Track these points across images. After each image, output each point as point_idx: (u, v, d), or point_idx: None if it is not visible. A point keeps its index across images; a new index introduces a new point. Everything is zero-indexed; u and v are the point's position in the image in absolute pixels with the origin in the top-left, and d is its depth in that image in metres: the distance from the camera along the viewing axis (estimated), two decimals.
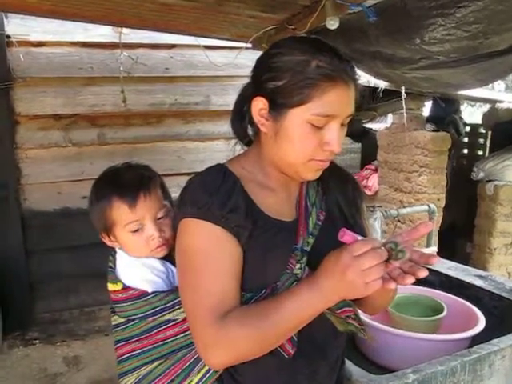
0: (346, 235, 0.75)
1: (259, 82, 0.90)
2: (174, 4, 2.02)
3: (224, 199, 0.86)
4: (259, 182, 0.96)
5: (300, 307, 0.78)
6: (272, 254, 0.89)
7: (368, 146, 5.61)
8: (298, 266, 0.89)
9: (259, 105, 0.89)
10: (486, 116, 4.68)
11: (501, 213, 3.82)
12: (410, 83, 2.36)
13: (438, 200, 3.95)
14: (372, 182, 5.22)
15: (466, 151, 5.12)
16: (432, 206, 2.26)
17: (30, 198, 3.14)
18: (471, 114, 8.30)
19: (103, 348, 2.98)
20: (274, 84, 0.86)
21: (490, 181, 3.92)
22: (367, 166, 5.58)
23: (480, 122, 4.95)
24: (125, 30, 3.01)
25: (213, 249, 0.85)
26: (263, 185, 0.96)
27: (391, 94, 4.39)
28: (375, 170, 5.22)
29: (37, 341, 3.09)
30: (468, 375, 1.14)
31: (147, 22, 2.56)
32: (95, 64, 3.14)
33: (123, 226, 1.04)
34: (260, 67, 0.92)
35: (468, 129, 5.07)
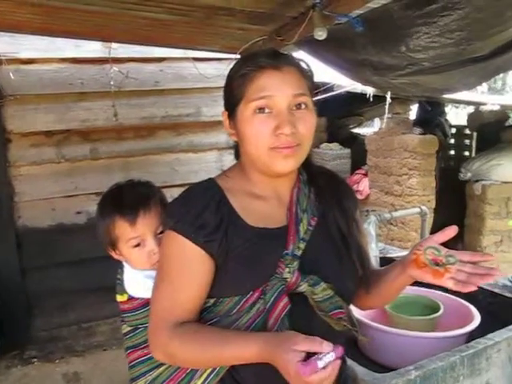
0: (309, 366, 0.75)
1: (224, 100, 1.01)
2: (165, 19, 2.06)
3: (197, 215, 0.92)
4: (247, 192, 1.00)
5: (240, 356, 0.85)
6: (258, 262, 0.92)
7: (357, 151, 5.68)
8: (287, 270, 0.92)
9: (224, 119, 1.00)
10: (470, 118, 4.77)
11: (489, 211, 3.89)
12: (397, 89, 2.42)
13: (429, 202, 4.02)
14: (363, 186, 5.28)
15: (452, 152, 5.21)
16: (424, 207, 2.30)
17: (24, 215, 3.12)
18: (456, 115, 8.43)
19: (103, 363, 2.96)
20: (226, 96, 0.99)
21: (477, 181, 3.99)
22: (357, 171, 5.63)
23: (465, 123, 5.04)
24: (114, 45, 3.02)
25: (178, 261, 0.92)
26: (251, 193, 1.00)
27: (378, 99, 4.46)
28: (365, 175, 5.28)
29: (35, 359, 3.05)
30: (467, 369, 1.18)
31: (138, 36, 2.60)
32: (86, 79, 3.14)
33: (125, 241, 1.13)
34: (224, 88, 1.03)
35: (454, 130, 5.16)
